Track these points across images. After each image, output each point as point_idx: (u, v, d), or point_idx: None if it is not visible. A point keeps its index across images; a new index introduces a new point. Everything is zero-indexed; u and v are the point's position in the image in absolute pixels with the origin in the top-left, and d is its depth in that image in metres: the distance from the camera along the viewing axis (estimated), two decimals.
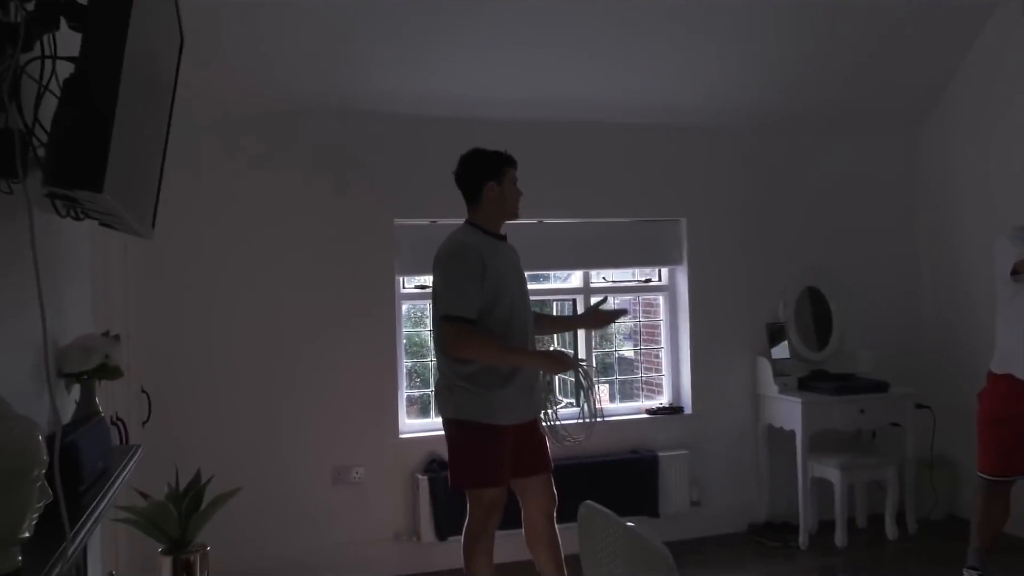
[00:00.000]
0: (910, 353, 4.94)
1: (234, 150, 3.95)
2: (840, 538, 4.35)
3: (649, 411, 4.62)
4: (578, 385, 3.54)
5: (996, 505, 3.72)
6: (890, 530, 4.46)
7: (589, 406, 3.61)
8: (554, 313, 4.68)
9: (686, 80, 4.36)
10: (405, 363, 4.33)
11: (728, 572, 4.11)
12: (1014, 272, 3.52)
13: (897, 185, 5.04)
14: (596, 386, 3.71)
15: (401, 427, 4.20)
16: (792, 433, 4.42)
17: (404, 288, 4.29)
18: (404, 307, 4.32)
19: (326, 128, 4.08)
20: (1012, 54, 4.42)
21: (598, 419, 3.63)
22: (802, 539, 4.39)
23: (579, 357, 4.30)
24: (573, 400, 4.14)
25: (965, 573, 3.69)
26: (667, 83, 4.35)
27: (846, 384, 4.49)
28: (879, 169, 5.01)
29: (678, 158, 4.63)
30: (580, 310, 4.57)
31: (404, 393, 4.28)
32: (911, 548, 4.38)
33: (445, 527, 4.01)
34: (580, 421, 3.71)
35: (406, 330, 4.37)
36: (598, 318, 3.49)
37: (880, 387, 4.50)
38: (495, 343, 3.04)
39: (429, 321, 4.29)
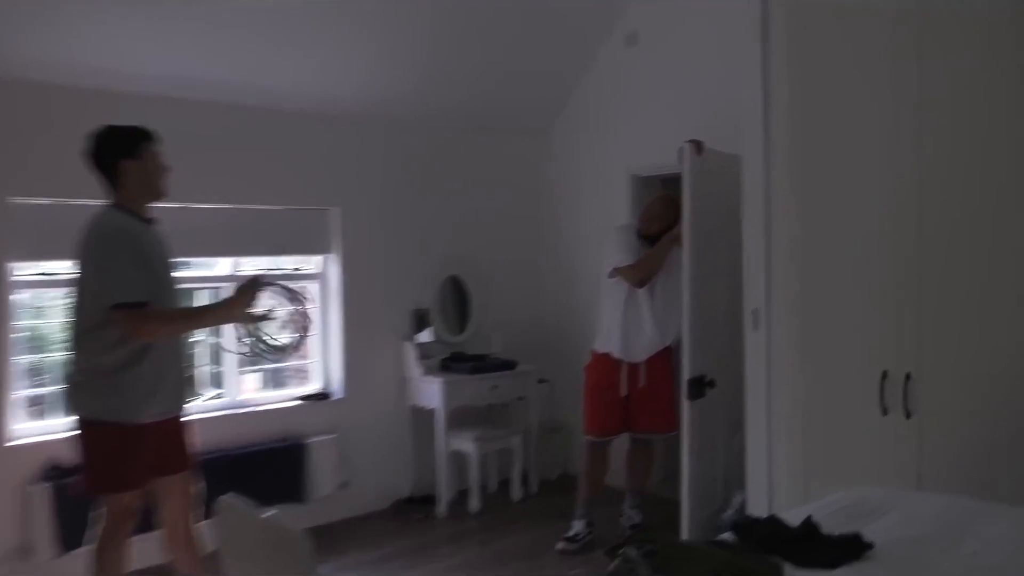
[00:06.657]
0: (533, 334, 5.52)
1: None
2: (474, 504, 4.74)
3: (300, 398, 4.62)
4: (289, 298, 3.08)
5: (598, 461, 4.26)
6: (515, 491, 4.97)
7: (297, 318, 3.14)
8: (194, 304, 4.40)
9: (343, 72, 4.41)
10: (21, 360, 3.81)
11: (373, 549, 4.22)
12: (611, 274, 4.13)
13: (526, 185, 5.57)
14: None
15: (8, 434, 3.71)
16: (433, 412, 4.73)
17: (18, 276, 3.78)
18: (23, 296, 3.83)
19: None
20: (614, 78, 5.14)
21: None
22: (441, 508, 4.71)
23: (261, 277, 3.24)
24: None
25: (573, 524, 4.18)
26: (325, 74, 4.36)
27: (480, 364, 4.89)
28: (511, 170, 5.49)
29: (333, 148, 4.66)
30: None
31: (13, 395, 3.76)
32: (533, 505, 4.90)
33: (72, 539, 3.60)
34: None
35: (27, 322, 3.88)
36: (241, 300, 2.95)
37: (509, 365, 4.97)
38: (175, 311, 2.92)
39: (52, 312, 3.89)
